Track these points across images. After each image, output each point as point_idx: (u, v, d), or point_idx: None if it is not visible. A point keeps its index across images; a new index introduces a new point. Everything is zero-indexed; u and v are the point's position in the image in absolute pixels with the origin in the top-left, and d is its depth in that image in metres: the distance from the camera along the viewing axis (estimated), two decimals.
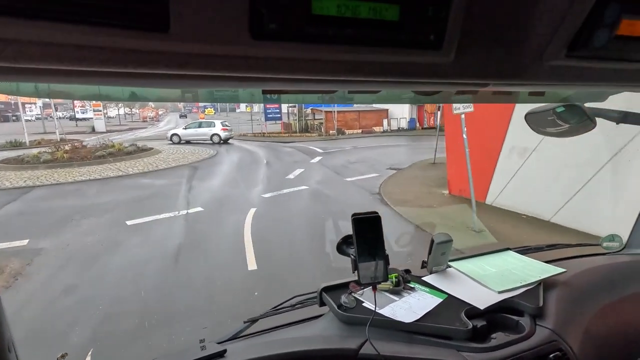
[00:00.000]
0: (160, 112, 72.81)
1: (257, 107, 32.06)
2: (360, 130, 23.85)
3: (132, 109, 59.04)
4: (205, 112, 62.97)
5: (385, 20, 0.33)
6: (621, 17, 0.37)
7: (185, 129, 20.15)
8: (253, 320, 1.10)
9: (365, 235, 0.85)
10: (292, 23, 0.31)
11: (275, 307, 1.12)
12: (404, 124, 24.36)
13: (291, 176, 10.15)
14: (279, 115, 24.10)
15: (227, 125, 20.00)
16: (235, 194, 8.33)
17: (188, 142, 19.58)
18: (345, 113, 23.89)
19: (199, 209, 7.03)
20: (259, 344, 0.96)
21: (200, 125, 20.17)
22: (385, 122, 24.51)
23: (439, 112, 24.95)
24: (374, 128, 24.31)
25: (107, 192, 8.81)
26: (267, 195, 7.99)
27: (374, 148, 16.35)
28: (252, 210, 6.75)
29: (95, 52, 0.29)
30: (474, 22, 0.36)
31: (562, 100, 1.00)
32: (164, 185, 9.48)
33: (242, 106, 28.21)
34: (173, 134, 20.23)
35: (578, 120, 1.07)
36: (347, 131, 23.24)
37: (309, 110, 25.76)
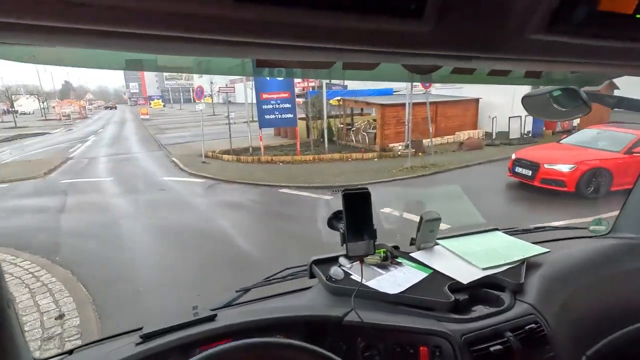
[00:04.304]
0: (91, 106, 55.78)
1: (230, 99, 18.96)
2: (459, 140, 12.38)
3: (45, 102, 42.85)
4: (152, 105, 47.89)
5: None
6: None
7: None
8: (245, 290, 1.15)
9: (355, 210, 0.88)
10: None
11: (267, 278, 1.18)
12: (528, 127, 12.98)
13: None
14: (291, 116, 11.78)
15: None
16: None
17: None
18: (397, 107, 12.36)
19: None
20: (248, 311, 1.02)
21: None
22: (493, 122, 13.15)
23: None
24: (468, 133, 12.98)
25: None
26: None
27: None
28: None
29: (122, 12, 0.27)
30: None
31: (558, 83, 1.02)
32: None
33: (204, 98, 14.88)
34: None
35: (573, 104, 1.08)
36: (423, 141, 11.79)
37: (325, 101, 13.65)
